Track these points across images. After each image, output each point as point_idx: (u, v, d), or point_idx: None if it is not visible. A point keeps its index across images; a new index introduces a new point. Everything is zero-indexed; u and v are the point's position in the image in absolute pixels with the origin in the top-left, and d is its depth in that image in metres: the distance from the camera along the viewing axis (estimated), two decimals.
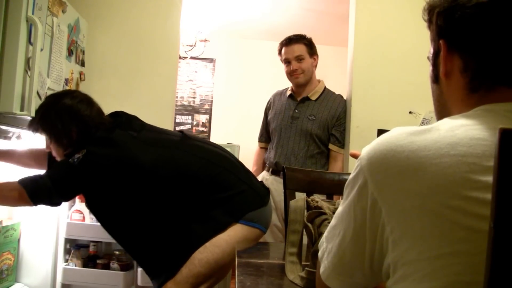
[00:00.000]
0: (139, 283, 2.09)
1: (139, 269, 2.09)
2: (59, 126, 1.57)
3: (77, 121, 1.58)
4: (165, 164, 1.59)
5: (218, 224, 1.56)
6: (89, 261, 2.13)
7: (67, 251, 2.13)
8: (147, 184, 1.58)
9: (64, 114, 1.57)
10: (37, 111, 1.57)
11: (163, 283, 1.53)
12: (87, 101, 1.65)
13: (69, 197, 1.66)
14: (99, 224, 2.06)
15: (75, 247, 2.11)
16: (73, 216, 2.10)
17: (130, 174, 1.56)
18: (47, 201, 1.56)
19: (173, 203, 1.58)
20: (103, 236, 2.03)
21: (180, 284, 1.51)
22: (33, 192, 1.51)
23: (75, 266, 2.08)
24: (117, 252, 2.14)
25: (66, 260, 2.11)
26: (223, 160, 1.68)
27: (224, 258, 1.53)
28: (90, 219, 2.11)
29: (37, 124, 1.58)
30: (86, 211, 2.11)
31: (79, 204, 2.10)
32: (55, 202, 1.58)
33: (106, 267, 2.10)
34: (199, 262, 1.52)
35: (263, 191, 1.71)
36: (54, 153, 1.66)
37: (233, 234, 1.55)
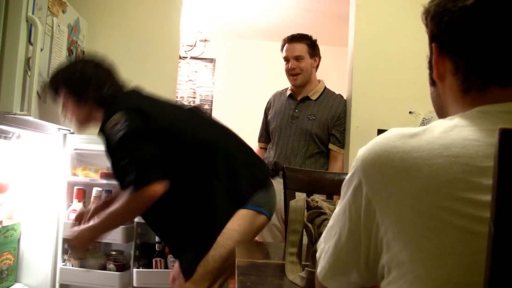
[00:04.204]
0: (135, 284, 2.08)
1: (135, 270, 2.09)
2: (80, 80, 1.59)
3: (98, 79, 1.62)
4: (186, 126, 1.64)
5: (243, 197, 1.58)
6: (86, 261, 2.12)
7: (64, 251, 2.12)
8: (175, 146, 1.55)
9: (86, 72, 1.61)
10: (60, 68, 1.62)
11: (198, 258, 1.51)
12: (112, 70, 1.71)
13: (159, 162, 1.49)
14: None
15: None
16: (70, 216, 2.09)
17: (161, 130, 1.54)
18: (158, 175, 1.46)
19: (198, 175, 1.56)
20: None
21: (197, 283, 1.51)
22: (145, 179, 1.42)
23: (72, 266, 2.08)
24: (113, 253, 2.13)
25: (64, 260, 2.11)
26: (232, 132, 1.77)
27: None
28: None
29: (59, 78, 1.60)
30: None
31: (76, 204, 2.10)
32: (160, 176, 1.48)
33: (103, 267, 2.10)
34: (212, 258, 1.51)
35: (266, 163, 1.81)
36: (70, 114, 1.65)
37: (242, 223, 1.55)
